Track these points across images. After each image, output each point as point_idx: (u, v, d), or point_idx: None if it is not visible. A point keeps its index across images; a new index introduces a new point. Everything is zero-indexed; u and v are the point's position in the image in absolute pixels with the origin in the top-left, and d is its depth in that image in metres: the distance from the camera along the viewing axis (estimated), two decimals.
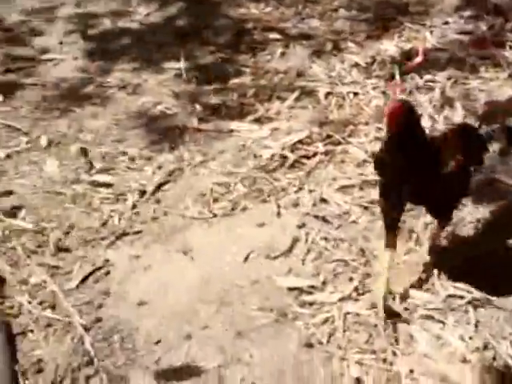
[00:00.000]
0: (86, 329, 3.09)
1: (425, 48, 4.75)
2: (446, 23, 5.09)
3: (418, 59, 4.65)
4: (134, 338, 3.06)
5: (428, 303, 3.09)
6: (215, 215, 3.65)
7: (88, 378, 2.91)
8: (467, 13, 5.16)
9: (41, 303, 3.23)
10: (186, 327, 3.09)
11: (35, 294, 3.27)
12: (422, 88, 4.44)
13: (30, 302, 3.23)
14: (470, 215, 3.51)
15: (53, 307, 3.21)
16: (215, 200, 3.75)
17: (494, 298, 3.07)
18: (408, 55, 4.74)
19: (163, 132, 4.28)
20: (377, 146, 3.95)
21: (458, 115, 4.17)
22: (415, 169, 2.86)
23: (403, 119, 2.81)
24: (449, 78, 4.49)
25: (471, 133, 3.26)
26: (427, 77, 4.52)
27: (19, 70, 4.92)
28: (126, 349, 3.02)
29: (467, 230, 3.43)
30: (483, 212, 3.53)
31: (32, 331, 3.11)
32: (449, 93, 4.37)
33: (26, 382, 2.91)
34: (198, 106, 4.45)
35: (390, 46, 4.85)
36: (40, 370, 2.95)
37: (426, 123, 4.11)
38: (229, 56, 4.94)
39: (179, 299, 3.22)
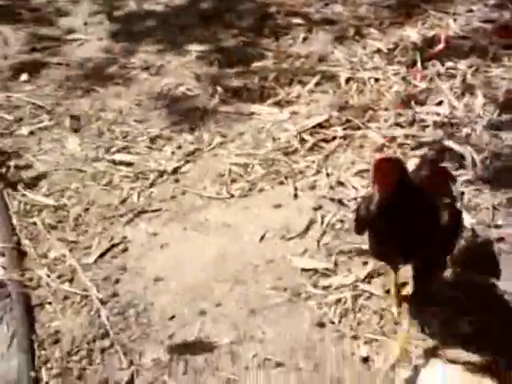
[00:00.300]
0: (103, 302, 3.15)
1: (447, 35, 4.74)
2: (470, 11, 5.08)
3: (440, 46, 4.65)
4: (149, 313, 3.12)
5: (439, 289, 3.10)
6: (232, 195, 3.70)
7: (103, 350, 2.98)
8: (491, 1, 5.14)
9: (59, 277, 3.29)
10: (200, 304, 3.14)
11: (54, 268, 3.34)
12: (444, 75, 4.43)
13: (48, 276, 3.30)
14: (486, 202, 3.52)
15: (71, 281, 3.28)
16: (233, 181, 3.79)
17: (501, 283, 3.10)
18: (430, 42, 4.73)
19: (184, 113, 4.32)
20: (396, 132, 4.00)
21: (478, 102, 4.16)
22: (409, 225, 2.67)
23: (394, 176, 2.61)
24: (470, 66, 4.49)
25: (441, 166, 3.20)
26: (449, 64, 4.52)
27: (45, 49, 4.98)
28: (141, 323, 3.08)
29: (482, 216, 3.45)
30: (500, 199, 3.54)
31: (50, 303, 3.18)
32: (470, 80, 4.36)
33: (43, 352, 2.97)
34: (219, 89, 4.48)
35: (412, 33, 4.85)
36: (57, 341, 3.01)
37: (445, 110, 4.14)
38: (251, 40, 4.97)
39: (195, 276, 3.27)
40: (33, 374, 2.87)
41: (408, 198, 2.65)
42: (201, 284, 3.23)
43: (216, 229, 3.52)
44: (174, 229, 3.53)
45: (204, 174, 3.86)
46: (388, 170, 2.60)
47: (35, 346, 2.99)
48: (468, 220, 3.40)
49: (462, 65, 4.51)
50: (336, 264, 3.28)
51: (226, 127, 4.18)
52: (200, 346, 2.98)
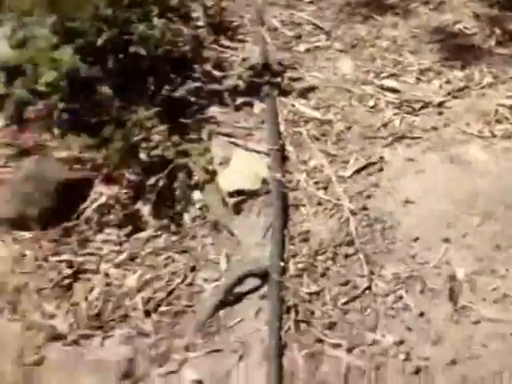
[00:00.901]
0: (353, 213, 3.31)
1: None
2: None
3: None
4: (394, 230, 3.24)
5: None
6: (495, 136, 3.67)
7: (347, 255, 3.15)
8: None
9: (316, 183, 3.49)
10: (446, 231, 3.21)
11: (312, 175, 3.54)
12: None
13: (306, 181, 3.51)
14: None
15: (326, 189, 3.46)
16: (498, 121, 3.75)
17: None
18: None
19: (457, 50, 4.31)
20: None
21: None
22: None
23: None
24: None
25: None
26: None
27: None
28: (386, 239, 3.20)
29: None
30: None
31: (304, 206, 3.39)
32: None
33: (292, 247, 3.20)
34: (497, 30, 4.41)
35: None
36: (306, 240, 3.22)
37: None
38: None
39: (445, 206, 3.32)
40: (282, 264, 3.11)
41: None
42: (449, 213, 3.29)
43: (474, 165, 3.52)
44: (431, 158, 3.59)
45: (469, 111, 3.85)
46: None
47: (286, 240, 3.23)
48: None
49: None
50: None
51: (498, 69, 4.12)
52: (440, 272, 3.05)
